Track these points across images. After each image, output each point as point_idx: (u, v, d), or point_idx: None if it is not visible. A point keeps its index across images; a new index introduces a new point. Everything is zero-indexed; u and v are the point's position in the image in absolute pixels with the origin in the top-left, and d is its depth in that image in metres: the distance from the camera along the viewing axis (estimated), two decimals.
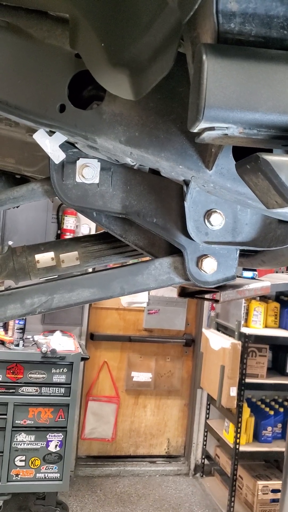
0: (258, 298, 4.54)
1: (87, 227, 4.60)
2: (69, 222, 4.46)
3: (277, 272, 4.63)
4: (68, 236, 4.42)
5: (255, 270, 3.94)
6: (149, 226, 1.14)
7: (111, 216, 1.22)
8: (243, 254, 1.37)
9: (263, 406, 4.57)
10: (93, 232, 4.61)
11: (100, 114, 0.94)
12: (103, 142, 0.95)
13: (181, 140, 0.93)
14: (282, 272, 4.63)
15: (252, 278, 3.62)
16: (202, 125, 0.67)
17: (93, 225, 4.62)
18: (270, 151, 0.78)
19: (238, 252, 1.18)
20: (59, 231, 4.51)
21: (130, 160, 1.01)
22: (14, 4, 0.93)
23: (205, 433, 5.02)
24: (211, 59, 0.64)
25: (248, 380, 4.22)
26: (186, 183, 1.02)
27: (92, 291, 1.17)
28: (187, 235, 1.11)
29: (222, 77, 0.64)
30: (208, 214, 1.09)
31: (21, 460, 3.71)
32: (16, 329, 3.84)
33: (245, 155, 0.74)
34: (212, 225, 1.09)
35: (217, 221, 1.09)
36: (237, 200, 0.99)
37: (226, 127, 0.68)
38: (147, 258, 1.27)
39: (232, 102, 0.65)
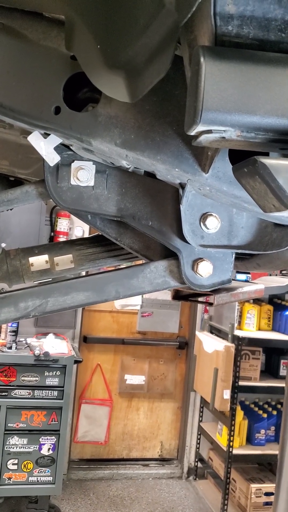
0: (252, 300, 4.55)
1: (81, 229, 4.59)
2: (63, 224, 4.44)
3: (270, 275, 4.64)
4: (61, 238, 4.40)
5: (248, 273, 3.95)
6: (145, 229, 1.14)
7: (106, 219, 1.21)
8: (238, 257, 1.36)
9: (256, 409, 4.57)
10: (86, 234, 4.60)
11: (95, 116, 0.94)
12: (98, 145, 0.94)
13: (177, 143, 0.92)
14: (276, 275, 4.63)
15: (246, 281, 3.62)
16: (199, 128, 0.67)
17: (86, 228, 4.61)
18: (266, 154, 0.77)
19: (233, 255, 1.17)
20: (52, 234, 4.50)
21: (125, 162, 1.01)
22: (9, 5, 0.92)
23: (198, 436, 5.02)
24: (209, 62, 0.63)
25: (241, 383, 4.22)
26: (182, 186, 1.01)
27: (87, 294, 1.16)
28: (183, 238, 1.11)
29: (220, 79, 0.64)
30: (203, 217, 1.08)
31: (13, 464, 3.68)
32: (9, 331, 3.82)
33: (241, 159, 0.74)
34: (207, 229, 1.09)
35: (213, 224, 1.08)
36: (233, 204, 0.99)
37: (224, 130, 0.67)
38: (141, 261, 1.27)
39: (230, 105, 0.64)
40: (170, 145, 0.92)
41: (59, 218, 4.44)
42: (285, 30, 0.67)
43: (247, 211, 1.02)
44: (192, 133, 0.69)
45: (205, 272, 1.14)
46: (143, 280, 1.17)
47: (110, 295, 1.17)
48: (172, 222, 1.13)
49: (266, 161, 0.65)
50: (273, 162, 0.66)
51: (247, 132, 0.67)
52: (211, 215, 1.08)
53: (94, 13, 0.79)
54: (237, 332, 4.31)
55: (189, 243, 1.11)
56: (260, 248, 1.14)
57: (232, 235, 1.12)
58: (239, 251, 1.15)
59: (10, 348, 3.78)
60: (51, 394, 3.72)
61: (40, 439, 3.72)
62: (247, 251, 1.15)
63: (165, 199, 1.13)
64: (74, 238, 4.34)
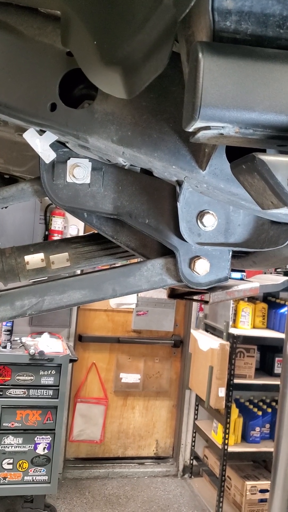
0: (246, 299, 4.56)
1: (75, 228, 4.57)
2: (57, 223, 4.43)
3: (265, 273, 4.65)
4: (56, 237, 4.39)
5: (243, 271, 3.95)
6: (141, 227, 1.13)
7: (102, 217, 1.20)
8: (234, 255, 1.36)
9: (251, 406, 4.58)
10: (81, 233, 4.59)
11: (92, 113, 0.93)
12: (94, 142, 0.94)
13: (174, 140, 0.92)
14: (271, 273, 4.64)
15: (241, 279, 3.63)
16: (197, 124, 0.66)
17: (81, 226, 4.60)
18: (263, 151, 0.77)
19: (230, 253, 1.17)
20: (46, 232, 4.48)
21: (122, 160, 1.00)
22: (4, 0, 0.92)
23: (194, 434, 5.02)
24: (207, 58, 0.63)
25: (236, 381, 4.22)
26: (179, 183, 1.01)
27: (84, 293, 1.15)
28: (180, 236, 1.10)
29: (218, 75, 0.63)
30: (200, 215, 1.08)
31: (8, 463, 3.68)
32: (4, 331, 3.81)
33: (237, 156, 0.74)
34: (204, 226, 1.08)
35: (210, 222, 1.08)
36: (230, 201, 0.98)
37: (222, 127, 0.67)
38: (136, 260, 1.26)
39: (229, 101, 0.64)
40: (167, 142, 0.92)
41: (54, 217, 4.43)
42: (283, 26, 0.66)
43: (244, 208, 1.02)
44: (190, 129, 0.69)
45: (202, 270, 1.13)
46: (140, 278, 1.17)
47: (107, 293, 1.16)
48: (169, 220, 1.13)
49: (265, 157, 0.65)
50: (271, 158, 0.65)
51: (246, 129, 0.67)
52: (208, 212, 1.08)
53: (90, 8, 0.79)
54: (232, 330, 4.31)
55: (186, 241, 1.10)
56: (257, 246, 1.13)
57: (229, 233, 1.12)
58: (236, 248, 1.14)
59: (4, 347, 3.77)
60: (46, 393, 3.72)
61: (35, 438, 3.71)
62: (244, 249, 1.15)
63: (162, 196, 1.13)
64: (68, 236, 4.32)
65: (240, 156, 0.72)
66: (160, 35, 0.69)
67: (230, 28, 0.65)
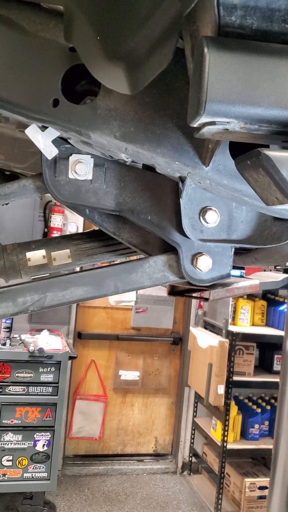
0: (245, 296, 4.56)
1: (75, 225, 4.57)
2: (56, 220, 4.42)
3: (265, 270, 4.65)
4: (55, 234, 4.38)
5: (243, 268, 3.95)
6: (144, 224, 1.13)
7: (104, 213, 1.20)
8: (236, 251, 1.36)
9: (250, 403, 4.59)
10: (80, 230, 4.58)
11: (94, 109, 0.92)
12: (97, 138, 0.93)
13: (178, 135, 0.91)
14: (270, 271, 4.65)
15: (240, 276, 3.63)
16: (203, 119, 0.66)
17: (80, 224, 4.59)
18: (267, 147, 0.77)
19: (233, 250, 1.17)
20: (46, 229, 4.47)
21: (124, 156, 1.00)
22: None
23: (193, 431, 5.03)
24: (213, 52, 0.63)
25: (235, 378, 4.23)
26: (182, 179, 1.00)
27: (86, 289, 1.15)
28: (182, 233, 1.10)
29: (223, 70, 0.63)
30: (203, 211, 1.08)
31: (8, 460, 3.68)
32: (3, 328, 3.80)
33: (239, 153, 0.74)
34: (207, 223, 1.08)
35: (212, 218, 1.07)
36: (233, 197, 0.98)
37: (227, 122, 0.66)
38: (136, 257, 1.26)
39: (234, 96, 0.64)
40: (170, 138, 0.91)
41: (53, 214, 4.42)
42: None
43: (247, 205, 1.02)
44: (195, 124, 0.68)
45: (205, 266, 1.13)
46: (142, 275, 1.16)
47: (109, 290, 1.16)
48: (171, 216, 1.12)
49: (270, 153, 0.65)
50: (277, 154, 0.65)
51: (251, 124, 0.67)
52: (210, 209, 1.08)
53: (93, 3, 0.78)
54: (231, 328, 4.32)
55: (188, 238, 1.10)
56: (260, 242, 1.13)
57: (231, 229, 1.12)
58: (239, 245, 1.14)
59: (4, 344, 3.76)
60: (45, 390, 3.72)
61: (35, 435, 3.71)
62: (246, 245, 1.14)
63: (164, 193, 1.12)
64: (67, 234, 4.32)
65: (241, 153, 0.72)
66: (165, 30, 0.69)
67: (235, 23, 0.65)
